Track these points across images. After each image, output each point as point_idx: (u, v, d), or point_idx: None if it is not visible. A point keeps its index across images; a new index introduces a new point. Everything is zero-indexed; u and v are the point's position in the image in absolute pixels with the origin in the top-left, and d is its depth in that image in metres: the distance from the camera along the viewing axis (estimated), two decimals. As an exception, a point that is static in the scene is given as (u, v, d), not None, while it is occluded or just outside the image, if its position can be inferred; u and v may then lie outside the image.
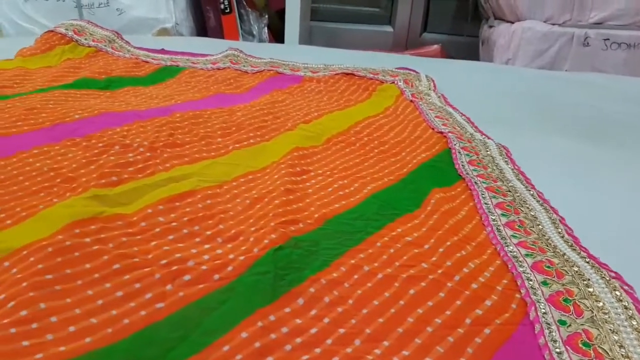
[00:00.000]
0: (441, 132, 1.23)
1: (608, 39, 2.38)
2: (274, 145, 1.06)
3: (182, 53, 1.85)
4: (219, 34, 2.73)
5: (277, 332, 0.55)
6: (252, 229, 0.73)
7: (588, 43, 2.40)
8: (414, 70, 1.81)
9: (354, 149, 1.11)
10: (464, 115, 1.44)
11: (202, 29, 2.80)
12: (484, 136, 1.26)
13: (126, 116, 1.09)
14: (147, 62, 1.69)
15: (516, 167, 1.09)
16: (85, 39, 1.74)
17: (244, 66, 1.73)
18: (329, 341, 0.55)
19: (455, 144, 1.15)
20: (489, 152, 1.14)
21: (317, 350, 0.54)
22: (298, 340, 0.55)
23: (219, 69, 1.70)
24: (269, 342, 0.54)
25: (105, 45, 1.75)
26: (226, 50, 1.83)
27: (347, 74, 1.71)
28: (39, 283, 0.57)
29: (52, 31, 1.72)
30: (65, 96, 1.21)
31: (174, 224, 0.72)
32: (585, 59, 2.42)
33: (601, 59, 2.40)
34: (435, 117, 1.38)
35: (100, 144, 0.94)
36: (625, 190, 1.05)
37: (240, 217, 0.77)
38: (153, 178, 0.84)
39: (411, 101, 1.51)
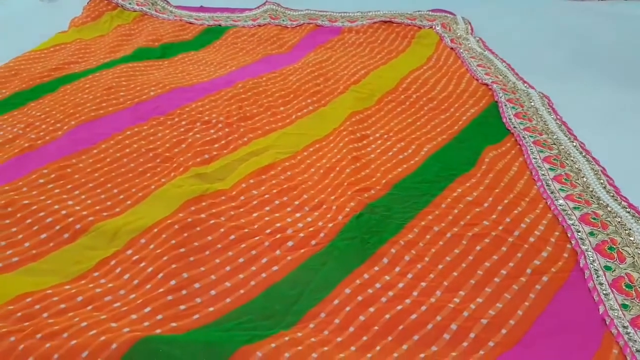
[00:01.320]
0: (486, 84, 1.30)
1: (649, -39, 2.30)
2: (331, 110, 1.16)
3: (221, 9, 1.89)
4: (248, -20, 2.72)
5: (373, 287, 0.68)
6: (332, 197, 0.84)
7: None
8: (449, 12, 1.82)
9: (404, 108, 1.19)
10: (504, 61, 1.49)
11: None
12: (525, 84, 1.32)
13: (195, 90, 1.19)
14: (190, 22, 1.75)
15: (558, 118, 1.16)
16: (130, 3, 1.80)
17: (283, 20, 1.77)
18: (415, 293, 0.68)
19: (500, 97, 1.22)
20: (532, 104, 1.21)
21: (407, 301, 0.66)
22: (390, 293, 0.67)
23: (259, 25, 1.75)
24: (368, 296, 0.67)
25: (149, 9, 1.81)
26: (264, 5, 1.87)
27: (385, 21, 1.75)
28: (177, 256, 0.71)
29: (97, -3, 1.78)
30: (133, 70, 1.31)
31: (266, 196, 0.85)
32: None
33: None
34: (477, 65, 1.43)
35: (183, 122, 1.05)
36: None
37: (319, 186, 0.88)
38: (237, 153, 0.96)
39: (451, 48, 1.56)
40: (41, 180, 0.88)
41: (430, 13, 1.82)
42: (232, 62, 1.43)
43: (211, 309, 0.64)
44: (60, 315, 0.62)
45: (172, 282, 0.67)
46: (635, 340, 0.62)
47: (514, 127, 1.09)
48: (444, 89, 1.29)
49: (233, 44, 1.60)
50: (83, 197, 0.84)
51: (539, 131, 1.09)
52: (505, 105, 1.18)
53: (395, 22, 1.75)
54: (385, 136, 1.06)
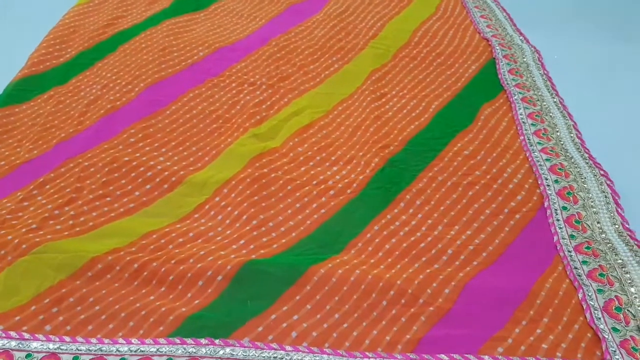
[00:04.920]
0: (486, 39, 1.49)
1: None
2: (354, 68, 1.37)
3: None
4: None
5: (394, 225, 0.96)
6: (360, 154, 1.10)
7: None
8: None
9: (416, 63, 1.40)
10: (504, 10, 1.67)
11: None
12: (521, 37, 1.52)
13: (237, 50, 1.40)
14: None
15: (545, 72, 1.38)
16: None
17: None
18: (424, 228, 0.96)
19: (498, 53, 1.42)
20: (525, 59, 1.42)
21: (418, 234, 0.95)
22: (406, 229, 0.95)
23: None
24: (391, 230, 0.95)
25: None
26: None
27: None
28: (252, 203, 0.98)
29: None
30: (177, 27, 1.50)
31: (309, 153, 1.10)
32: None
33: None
34: (480, 17, 1.62)
35: (233, 84, 1.28)
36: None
37: (349, 143, 1.13)
38: (282, 114, 1.19)
39: (458, -5, 1.72)
40: (132, 140, 1.12)
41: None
42: (261, 14, 1.61)
43: (284, 240, 0.92)
44: (181, 246, 0.91)
45: (254, 222, 0.95)
46: (575, 261, 0.91)
47: (507, 84, 1.32)
48: (450, 43, 1.49)
49: (255, -10, 1.74)
50: (170, 154, 1.09)
51: (527, 87, 1.32)
52: (502, 62, 1.39)
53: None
54: (401, 94, 1.28)
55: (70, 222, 0.95)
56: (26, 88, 1.26)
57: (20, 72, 1.30)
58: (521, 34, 1.54)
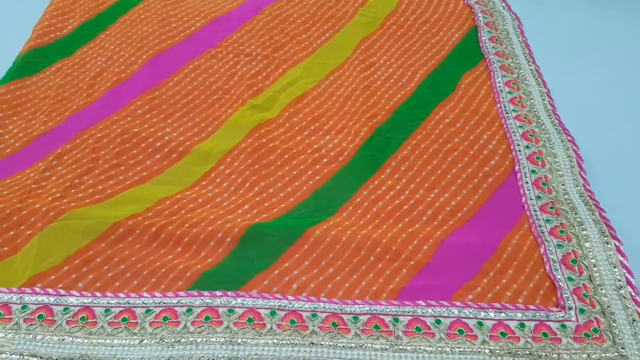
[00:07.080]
0: (470, 6, 1.56)
1: None
2: (344, 37, 1.44)
3: None
4: None
5: (380, 189, 1.08)
6: (350, 123, 1.20)
7: None
8: None
9: (403, 31, 1.48)
10: (489, -25, 1.72)
11: None
12: (503, 4, 1.59)
13: (232, 19, 1.46)
14: None
15: (524, 40, 1.46)
16: None
17: None
18: (407, 192, 1.08)
19: (480, 20, 1.50)
20: (505, 27, 1.50)
21: (402, 197, 1.07)
22: (391, 193, 1.07)
23: None
24: (378, 195, 1.06)
25: None
26: None
27: None
28: (254, 171, 1.09)
29: None
30: (173, -4, 1.55)
31: (304, 123, 1.20)
32: None
33: None
34: (465, -19, 1.67)
35: (231, 55, 1.35)
36: (618, 62, 1.43)
37: (340, 113, 1.23)
38: (276, 85, 1.28)
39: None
40: (139, 111, 1.21)
41: None
42: (253, -21, 1.65)
43: (283, 205, 1.04)
44: (193, 211, 1.02)
45: (256, 189, 1.06)
46: (539, 219, 1.04)
47: (487, 52, 1.40)
48: (435, 10, 1.56)
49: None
50: (175, 125, 1.19)
51: (506, 55, 1.40)
52: (483, 29, 1.47)
53: None
54: (388, 63, 1.37)
55: (90, 190, 1.06)
56: (33, 60, 1.33)
57: (26, 44, 1.36)
58: (503, 0, 1.60)
